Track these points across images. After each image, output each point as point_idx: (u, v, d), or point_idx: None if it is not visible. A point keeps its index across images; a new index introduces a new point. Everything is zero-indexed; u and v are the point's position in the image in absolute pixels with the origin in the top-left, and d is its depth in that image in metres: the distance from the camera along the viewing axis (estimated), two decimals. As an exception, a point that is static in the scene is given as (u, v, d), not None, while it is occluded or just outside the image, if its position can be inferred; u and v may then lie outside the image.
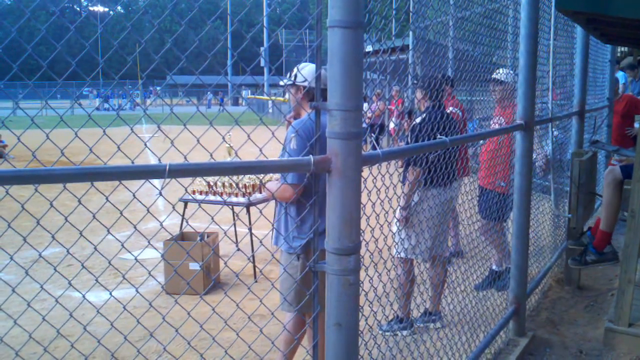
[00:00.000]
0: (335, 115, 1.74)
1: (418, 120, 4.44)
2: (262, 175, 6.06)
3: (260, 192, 6.24)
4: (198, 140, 1.67)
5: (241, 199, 6.16)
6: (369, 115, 17.18)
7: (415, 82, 4.74)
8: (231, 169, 1.85)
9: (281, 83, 3.51)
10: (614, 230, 4.71)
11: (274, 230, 3.40)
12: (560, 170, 5.86)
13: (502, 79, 5.03)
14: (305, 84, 3.33)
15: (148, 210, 1.80)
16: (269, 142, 1.91)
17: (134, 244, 6.78)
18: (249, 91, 50.87)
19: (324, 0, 1.80)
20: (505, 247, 5.29)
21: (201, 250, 5.74)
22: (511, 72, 4.95)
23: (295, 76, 3.36)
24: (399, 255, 4.43)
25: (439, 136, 2.90)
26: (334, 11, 1.71)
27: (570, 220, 5.20)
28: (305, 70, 3.35)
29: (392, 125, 16.41)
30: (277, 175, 3.81)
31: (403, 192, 4.25)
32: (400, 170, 4.44)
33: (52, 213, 1.72)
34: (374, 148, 15.47)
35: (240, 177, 6.36)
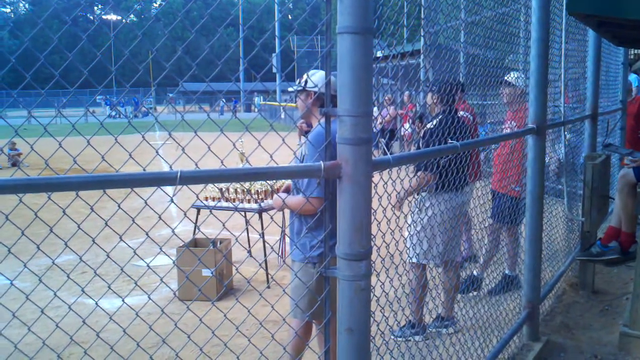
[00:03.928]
0: (345, 121, 1.75)
1: (429, 125, 4.43)
2: (274, 181, 6.07)
3: (272, 199, 6.25)
4: (209, 147, 1.68)
5: (253, 205, 6.17)
6: (380, 120, 17.14)
7: (426, 86, 4.74)
8: (242, 175, 1.85)
9: (290, 89, 3.50)
10: (636, 229, 4.70)
11: (290, 240, 3.38)
12: (573, 173, 5.83)
13: (512, 82, 5.02)
14: (316, 89, 3.32)
15: (160, 217, 1.81)
16: (280, 148, 1.92)
17: (147, 250, 6.80)
18: (261, 98, 51.02)
19: (333, 6, 1.81)
20: (518, 252, 5.27)
21: (214, 256, 5.75)
22: (522, 75, 4.93)
23: (306, 82, 3.36)
24: (410, 261, 4.42)
25: (450, 141, 2.89)
26: (343, 17, 1.71)
27: (583, 224, 5.17)
28: (316, 77, 3.35)
29: (404, 130, 16.37)
30: (288, 182, 3.81)
31: (406, 186, 4.19)
32: (412, 175, 4.43)
33: (66, 220, 1.74)
34: (384, 153, 15.44)
35: (253, 183, 6.38)
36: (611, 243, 4.84)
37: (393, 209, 4.26)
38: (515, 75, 5.01)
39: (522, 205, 4.61)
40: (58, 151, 1.66)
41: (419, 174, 4.21)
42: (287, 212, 4.57)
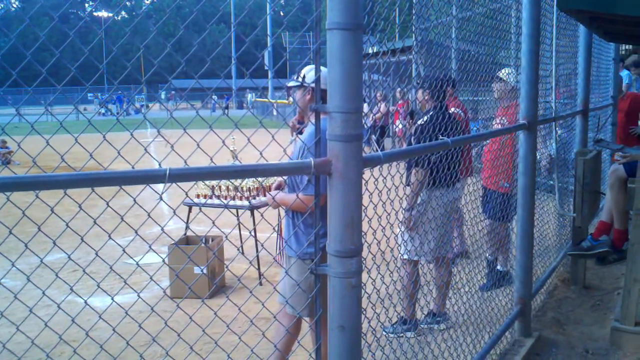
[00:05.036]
0: (335, 118, 1.74)
1: (420, 121, 4.43)
2: (264, 178, 6.04)
3: (264, 195, 6.22)
4: (198, 145, 1.67)
5: (244, 202, 6.15)
6: (371, 117, 17.11)
7: (417, 82, 4.73)
8: (232, 172, 1.84)
9: (290, 84, 3.43)
10: (628, 226, 4.71)
11: (283, 238, 3.35)
12: (564, 169, 5.84)
13: (503, 78, 5.02)
14: (313, 85, 3.27)
15: (149, 215, 1.80)
16: (270, 145, 1.90)
17: (139, 248, 6.76)
18: (254, 94, 50.87)
19: (323, 2, 1.80)
20: (509, 247, 5.27)
21: (205, 254, 5.73)
22: (514, 71, 4.94)
23: (304, 78, 3.30)
24: (402, 257, 4.42)
25: (441, 137, 2.89)
26: (333, 13, 1.70)
27: (574, 220, 5.18)
28: (314, 72, 3.30)
29: (395, 127, 16.36)
30: (280, 178, 3.79)
31: (405, 194, 4.23)
32: (402, 172, 4.43)
33: (57, 219, 1.73)
34: (375, 150, 15.40)
35: (244, 180, 6.35)
36: (601, 237, 4.86)
37: (402, 228, 4.28)
38: (508, 72, 5.01)
39: (512, 202, 4.61)
40: (48, 149, 1.64)
41: (414, 170, 4.20)
42: (282, 209, 4.56)
